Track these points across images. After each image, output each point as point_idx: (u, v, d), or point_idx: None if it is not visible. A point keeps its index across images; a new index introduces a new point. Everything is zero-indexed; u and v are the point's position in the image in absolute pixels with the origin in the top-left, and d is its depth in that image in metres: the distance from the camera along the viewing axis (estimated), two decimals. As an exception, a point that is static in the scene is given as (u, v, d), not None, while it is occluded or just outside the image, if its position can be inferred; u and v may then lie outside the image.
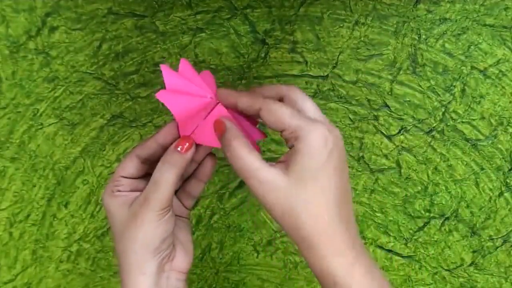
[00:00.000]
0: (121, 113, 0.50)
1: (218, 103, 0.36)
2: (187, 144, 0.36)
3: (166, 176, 0.35)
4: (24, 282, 0.52)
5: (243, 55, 0.49)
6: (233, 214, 0.52)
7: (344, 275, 0.32)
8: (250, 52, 0.49)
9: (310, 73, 0.49)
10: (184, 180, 0.41)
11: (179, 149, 0.36)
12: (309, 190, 0.32)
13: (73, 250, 0.52)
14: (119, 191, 0.37)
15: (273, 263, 0.53)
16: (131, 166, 0.37)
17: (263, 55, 0.49)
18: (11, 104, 0.49)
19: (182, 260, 0.38)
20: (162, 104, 0.49)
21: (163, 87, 0.49)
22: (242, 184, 0.51)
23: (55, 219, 0.51)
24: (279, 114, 0.33)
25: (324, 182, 0.32)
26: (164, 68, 0.35)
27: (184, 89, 0.36)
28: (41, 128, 0.50)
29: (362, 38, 0.48)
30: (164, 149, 0.37)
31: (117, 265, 0.52)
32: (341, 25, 0.48)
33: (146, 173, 0.38)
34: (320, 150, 0.32)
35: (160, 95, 0.34)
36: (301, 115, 0.33)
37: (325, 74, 0.49)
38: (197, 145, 0.37)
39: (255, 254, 0.53)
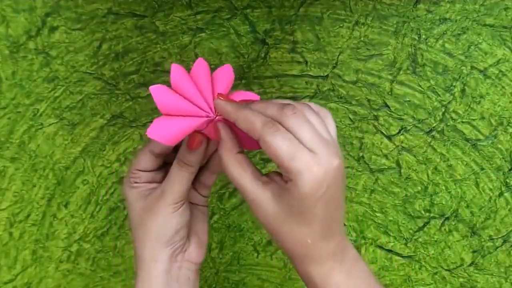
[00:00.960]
0: (121, 113, 0.50)
1: (216, 118, 0.36)
2: (198, 141, 0.37)
3: (181, 173, 0.37)
4: (24, 282, 0.52)
5: (243, 55, 0.49)
6: (233, 214, 0.52)
7: (322, 281, 0.34)
8: (250, 52, 0.49)
9: (310, 73, 0.49)
10: (198, 171, 0.42)
11: (190, 149, 0.37)
12: (295, 222, 0.33)
13: (73, 250, 0.52)
14: (136, 182, 0.39)
15: (273, 263, 0.53)
16: (145, 160, 0.39)
17: (263, 55, 0.49)
18: (11, 104, 0.49)
19: (195, 252, 0.40)
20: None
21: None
22: (242, 184, 0.51)
23: (55, 219, 0.51)
24: (277, 153, 0.32)
25: (312, 217, 0.33)
26: (154, 90, 0.35)
27: (177, 111, 0.35)
28: (41, 128, 0.50)
29: (362, 38, 0.48)
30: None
31: (117, 264, 0.52)
32: (341, 25, 0.48)
33: (163, 164, 0.40)
34: (312, 195, 0.32)
35: (151, 133, 0.34)
36: (298, 153, 0.31)
37: (325, 74, 0.49)
38: (208, 139, 0.38)
39: (255, 254, 0.53)
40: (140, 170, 0.39)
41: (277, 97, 0.49)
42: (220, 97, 0.36)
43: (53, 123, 0.50)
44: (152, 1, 0.48)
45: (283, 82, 0.49)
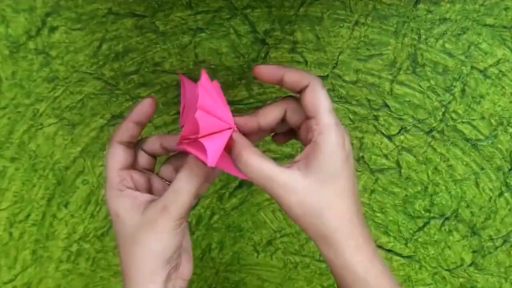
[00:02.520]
0: (121, 113, 0.50)
1: (234, 128, 0.36)
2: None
3: (188, 187, 0.34)
4: (24, 282, 0.52)
5: (243, 55, 0.49)
6: (233, 214, 0.52)
7: (363, 272, 0.33)
8: (250, 52, 0.49)
9: (310, 73, 0.49)
10: None
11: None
12: (330, 190, 0.33)
13: (73, 250, 0.52)
14: (125, 186, 0.36)
15: (273, 263, 0.53)
16: (117, 155, 0.36)
17: (263, 55, 0.49)
18: (11, 104, 0.49)
19: (186, 268, 0.38)
20: (162, 104, 0.49)
21: (163, 87, 0.49)
22: (242, 184, 0.51)
23: (55, 219, 0.51)
24: (320, 102, 0.34)
25: (344, 183, 0.33)
26: (200, 116, 0.33)
27: (213, 112, 0.34)
28: (41, 128, 0.50)
29: (362, 38, 0.48)
30: (140, 126, 0.37)
31: (117, 264, 0.52)
32: (341, 25, 0.48)
33: (147, 168, 0.39)
34: (340, 151, 0.33)
35: (199, 116, 0.33)
36: (333, 113, 0.34)
37: (325, 74, 0.49)
38: None
39: (255, 254, 0.53)
40: (121, 169, 0.36)
41: (277, 97, 0.49)
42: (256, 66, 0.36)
43: (53, 123, 0.50)
44: (152, 1, 0.48)
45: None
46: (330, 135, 0.33)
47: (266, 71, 0.36)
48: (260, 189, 0.51)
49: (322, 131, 0.33)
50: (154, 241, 0.34)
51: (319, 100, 0.34)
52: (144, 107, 0.37)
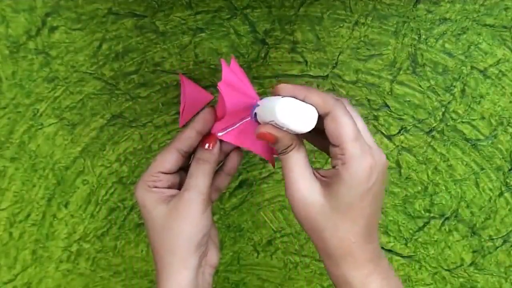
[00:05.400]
0: (121, 113, 0.50)
1: (257, 101, 0.37)
2: (212, 142, 0.37)
3: (202, 168, 0.37)
4: (24, 282, 0.52)
5: (243, 55, 0.49)
6: (233, 214, 0.52)
7: (361, 285, 0.34)
8: (250, 52, 0.49)
9: (310, 73, 0.49)
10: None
11: (206, 146, 0.37)
12: (342, 218, 0.33)
13: (73, 250, 0.52)
14: (156, 187, 0.37)
15: (273, 263, 0.53)
16: (170, 161, 0.37)
17: (263, 55, 0.49)
18: (11, 104, 0.49)
19: (213, 255, 0.40)
20: (162, 104, 0.49)
21: (162, 87, 0.49)
22: (242, 184, 0.51)
23: (55, 219, 0.51)
24: (342, 131, 0.32)
25: (358, 212, 0.33)
26: (223, 62, 0.36)
27: (237, 86, 0.36)
28: (41, 128, 0.50)
29: (362, 38, 0.48)
30: (201, 136, 0.38)
31: (117, 264, 0.52)
32: (341, 25, 0.48)
33: (181, 167, 0.39)
34: (362, 184, 0.32)
35: (221, 86, 0.35)
36: (359, 137, 0.33)
37: (325, 74, 0.49)
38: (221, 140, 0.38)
39: (255, 254, 0.53)
40: (162, 173, 0.37)
41: (277, 97, 0.49)
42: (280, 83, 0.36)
43: (53, 123, 0.50)
44: (152, 1, 0.48)
45: (283, 82, 0.49)
46: (353, 168, 0.32)
47: (288, 90, 0.34)
48: (260, 189, 0.51)
49: (345, 162, 0.32)
50: (182, 226, 0.36)
51: (341, 129, 0.32)
52: (207, 116, 0.38)
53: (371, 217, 0.33)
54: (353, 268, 0.34)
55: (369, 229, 0.34)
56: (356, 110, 0.36)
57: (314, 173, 0.35)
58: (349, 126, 0.32)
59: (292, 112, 0.32)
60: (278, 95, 0.34)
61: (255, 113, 0.36)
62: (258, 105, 0.36)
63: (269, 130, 0.34)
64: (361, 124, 0.35)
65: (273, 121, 0.33)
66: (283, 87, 0.34)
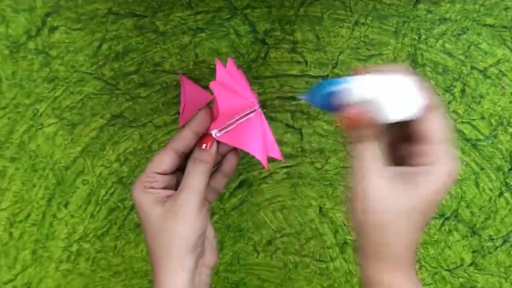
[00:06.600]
0: (121, 113, 0.50)
1: (257, 108, 0.37)
2: (210, 142, 0.37)
3: (198, 168, 0.36)
4: (24, 282, 0.52)
5: (243, 55, 0.49)
6: (233, 214, 0.52)
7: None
8: (250, 52, 0.49)
9: (310, 73, 0.49)
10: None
11: (203, 147, 0.37)
12: (408, 219, 0.31)
13: (73, 250, 0.52)
14: (152, 187, 0.37)
15: (273, 263, 0.53)
16: (166, 161, 0.37)
17: (263, 55, 0.49)
18: (11, 104, 0.49)
19: (211, 256, 0.39)
20: (162, 104, 0.49)
21: (162, 87, 0.49)
22: (242, 184, 0.51)
23: (55, 219, 0.51)
24: (443, 131, 0.31)
25: (424, 215, 0.32)
26: (218, 62, 0.36)
27: (232, 87, 0.36)
28: (41, 128, 0.50)
29: (362, 38, 0.48)
30: (198, 137, 0.38)
31: (117, 264, 0.52)
32: (341, 25, 0.48)
33: (178, 168, 0.39)
34: (440, 191, 0.31)
35: (213, 85, 0.35)
36: (449, 140, 0.31)
37: (325, 74, 0.49)
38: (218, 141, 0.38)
39: (255, 254, 0.53)
40: (159, 173, 0.37)
41: (277, 97, 0.49)
42: (359, 70, 0.33)
43: (53, 123, 0.50)
44: (152, 1, 0.48)
45: (283, 82, 0.49)
46: (438, 173, 0.31)
47: (394, 69, 0.32)
48: (260, 189, 0.51)
49: (433, 162, 0.31)
50: (179, 227, 0.35)
51: (442, 128, 0.31)
52: (204, 117, 0.37)
53: (428, 222, 0.33)
54: (404, 271, 0.32)
55: (420, 235, 0.33)
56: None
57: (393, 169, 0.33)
58: (447, 127, 0.31)
59: (404, 93, 0.30)
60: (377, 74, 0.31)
61: (331, 92, 0.32)
62: (309, 90, 0.34)
63: (364, 110, 0.31)
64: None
65: (366, 101, 0.30)
66: (393, 66, 0.32)
